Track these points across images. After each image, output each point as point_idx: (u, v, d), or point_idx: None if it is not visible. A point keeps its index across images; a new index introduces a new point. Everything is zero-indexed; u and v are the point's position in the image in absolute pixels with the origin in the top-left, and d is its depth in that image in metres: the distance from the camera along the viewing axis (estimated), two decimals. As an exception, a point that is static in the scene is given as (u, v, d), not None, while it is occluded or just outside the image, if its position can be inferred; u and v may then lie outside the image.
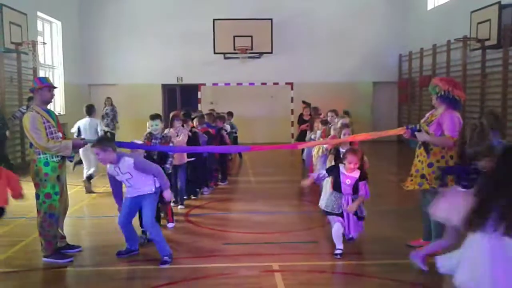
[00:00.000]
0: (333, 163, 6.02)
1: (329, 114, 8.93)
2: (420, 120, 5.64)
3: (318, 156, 7.51)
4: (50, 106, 5.58)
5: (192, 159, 8.05)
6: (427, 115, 5.55)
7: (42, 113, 5.26)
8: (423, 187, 5.27)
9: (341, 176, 5.41)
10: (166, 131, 7.35)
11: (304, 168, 11.19)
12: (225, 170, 10.24)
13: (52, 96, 5.47)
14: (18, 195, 4.87)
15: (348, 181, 5.40)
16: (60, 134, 5.38)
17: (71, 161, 5.92)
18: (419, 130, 5.19)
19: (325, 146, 7.12)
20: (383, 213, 7.22)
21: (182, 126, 7.92)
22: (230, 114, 13.45)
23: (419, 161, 5.31)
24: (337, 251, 5.34)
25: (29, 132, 5.15)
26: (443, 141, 5.11)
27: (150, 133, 6.76)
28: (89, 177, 9.13)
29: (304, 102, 13.51)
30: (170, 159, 6.65)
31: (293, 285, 4.65)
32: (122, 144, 6.20)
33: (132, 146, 6.02)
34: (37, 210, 5.32)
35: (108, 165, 5.24)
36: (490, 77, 12.91)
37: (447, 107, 5.19)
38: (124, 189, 5.41)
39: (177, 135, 7.66)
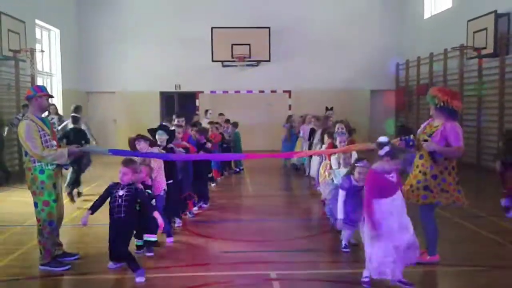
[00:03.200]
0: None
1: (338, 126, 7.72)
2: (417, 128, 5.63)
3: (325, 178, 7.00)
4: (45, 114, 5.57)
5: (169, 181, 6.50)
6: (423, 125, 5.50)
7: (37, 121, 5.25)
8: (428, 201, 5.17)
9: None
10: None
11: (302, 175, 11.21)
12: (205, 192, 8.60)
13: (49, 104, 5.49)
14: None
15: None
16: (54, 142, 5.38)
17: (66, 169, 5.91)
18: (413, 141, 5.12)
19: (328, 163, 6.93)
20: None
21: (150, 146, 6.24)
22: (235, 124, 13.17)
23: (420, 172, 5.20)
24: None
25: (24, 141, 5.15)
26: (452, 151, 5.12)
27: None
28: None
29: (327, 108, 12.75)
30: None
31: (291, 293, 4.65)
32: (116, 152, 6.12)
33: (127, 153, 5.97)
34: (36, 218, 5.31)
35: None
36: (488, 86, 12.97)
37: (446, 118, 5.18)
38: None
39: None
